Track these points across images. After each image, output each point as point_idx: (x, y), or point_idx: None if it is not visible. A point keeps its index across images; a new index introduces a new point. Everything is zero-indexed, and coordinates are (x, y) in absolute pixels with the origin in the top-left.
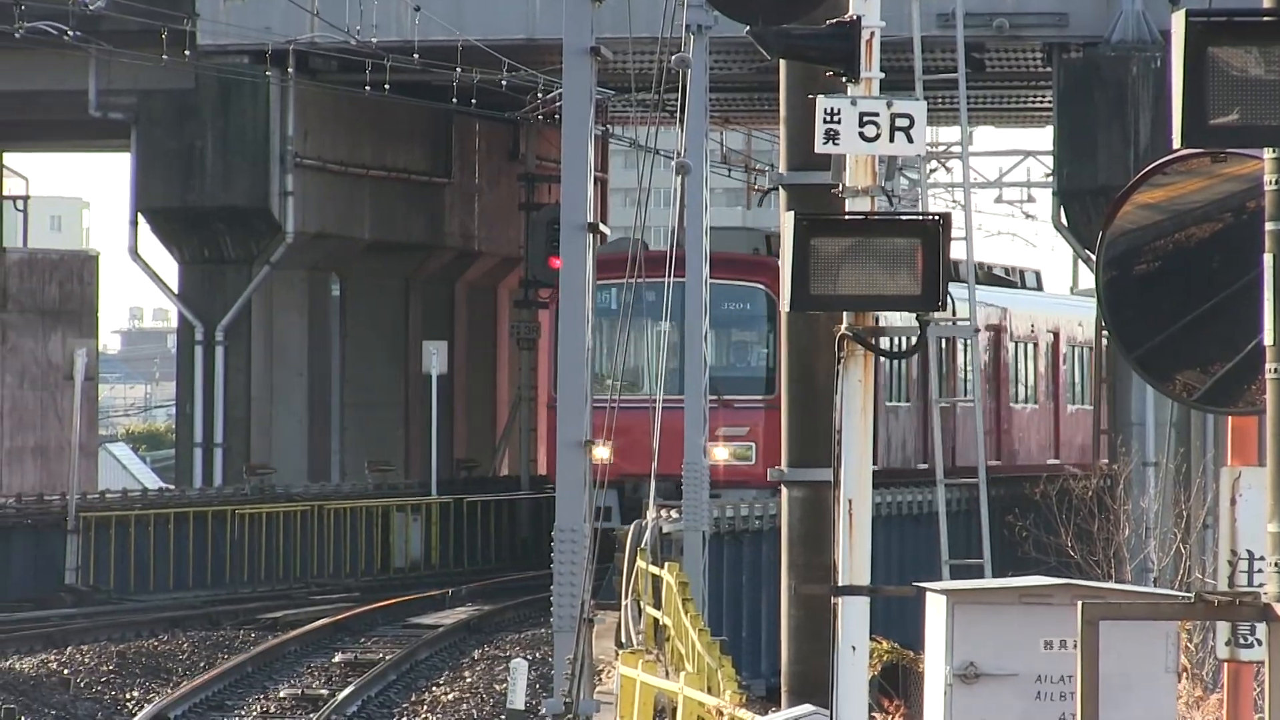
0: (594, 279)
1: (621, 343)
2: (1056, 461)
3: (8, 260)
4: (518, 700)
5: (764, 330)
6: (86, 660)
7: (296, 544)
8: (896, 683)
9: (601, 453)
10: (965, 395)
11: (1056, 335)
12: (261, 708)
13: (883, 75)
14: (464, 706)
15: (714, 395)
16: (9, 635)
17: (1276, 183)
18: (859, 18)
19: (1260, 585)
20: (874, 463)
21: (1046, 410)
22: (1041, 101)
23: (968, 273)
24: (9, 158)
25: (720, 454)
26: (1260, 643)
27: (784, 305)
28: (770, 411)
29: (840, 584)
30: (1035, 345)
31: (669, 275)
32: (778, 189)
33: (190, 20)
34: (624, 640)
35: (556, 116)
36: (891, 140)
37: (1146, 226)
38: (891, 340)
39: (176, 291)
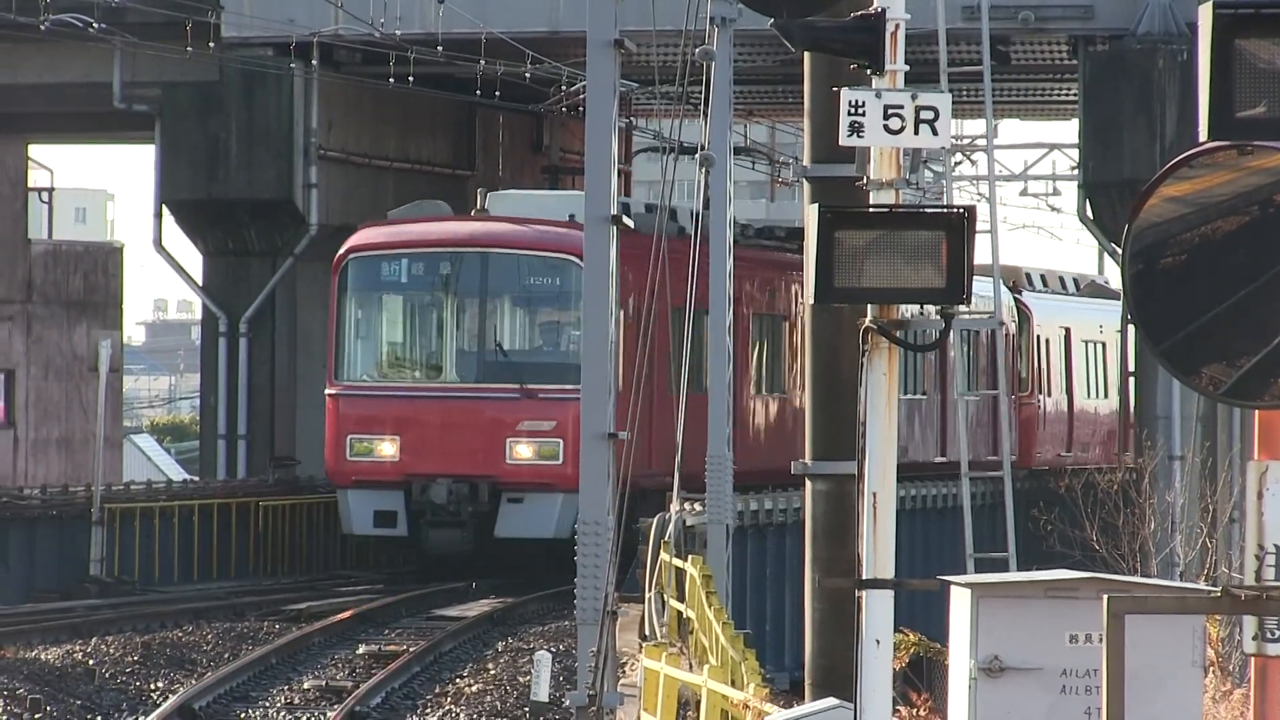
0: (381, 246)
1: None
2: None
3: (33, 252)
4: (541, 692)
5: (577, 309)
6: (111, 651)
7: (320, 535)
8: (922, 676)
9: (387, 449)
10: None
11: None
12: (285, 699)
13: (907, 68)
14: (488, 698)
15: (515, 384)
16: (34, 626)
17: None
18: (884, 10)
19: None
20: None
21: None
22: (1067, 94)
23: (993, 267)
24: (34, 150)
25: (523, 452)
26: None
27: (808, 298)
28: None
29: (864, 577)
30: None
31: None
32: (801, 182)
33: (215, 13)
34: (648, 633)
35: (580, 109)
36: (916, 133)
37: (1173, 220)
38: (916, 333)
39: (200, 283)
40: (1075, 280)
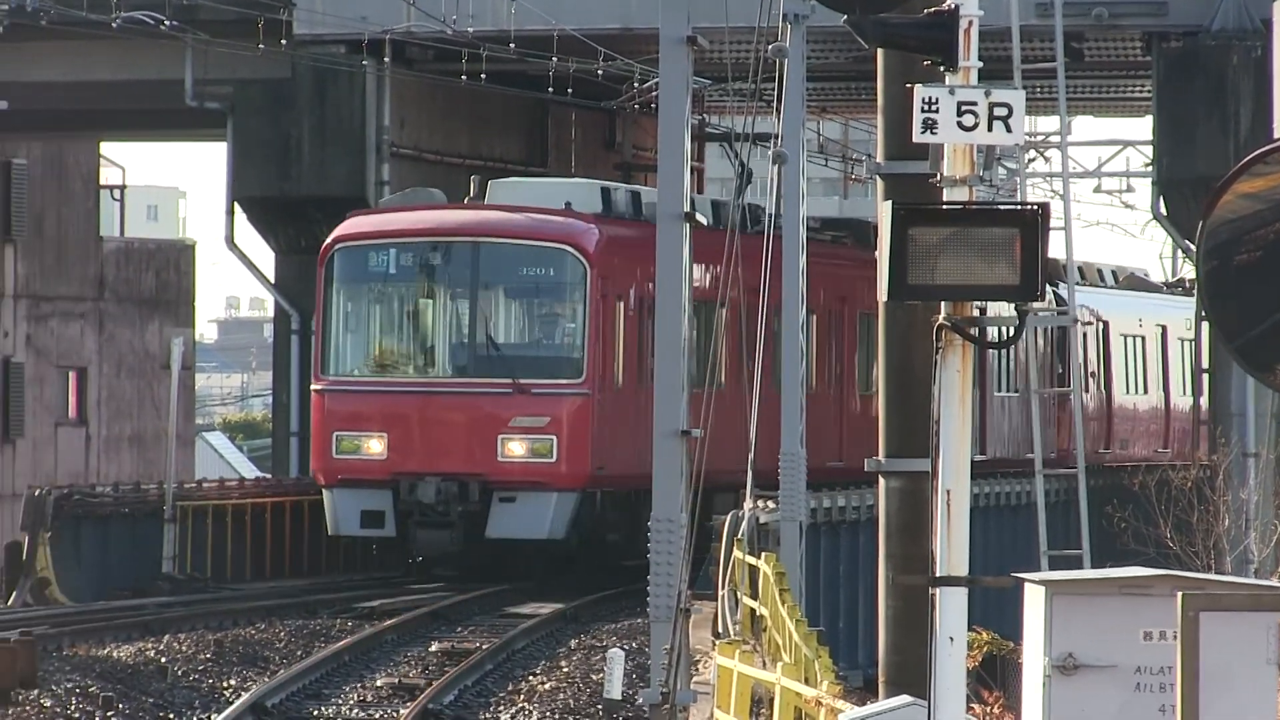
0: (368, 236)
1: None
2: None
3: (105, 250)
4: (615, 690)
5: (573, 302)
6: (184, 648)
7: None
8: (995, 674)
9: (375, 447)
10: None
11: None
12: (358, 696)
13: (981, 64)
14: (560, 696)
15: (508, 379)
16: (107, 624)
17: None
18: (957, 6)
19: None
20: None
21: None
22: (1140, 91)
23: (1068, 264)
24: (106, 147)
25: (515, 449)
26: None
27: (881, 295)
28: (580, 400)
29: (938, 574)
30: None
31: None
32: (874, 179)
33: (287, 10)
34: (721, 631)
35: (653, 106)
36: (990, 129)
37: (1247, 216)
38: (991, 330)
39: (272, 281)
40: (1114, 273)
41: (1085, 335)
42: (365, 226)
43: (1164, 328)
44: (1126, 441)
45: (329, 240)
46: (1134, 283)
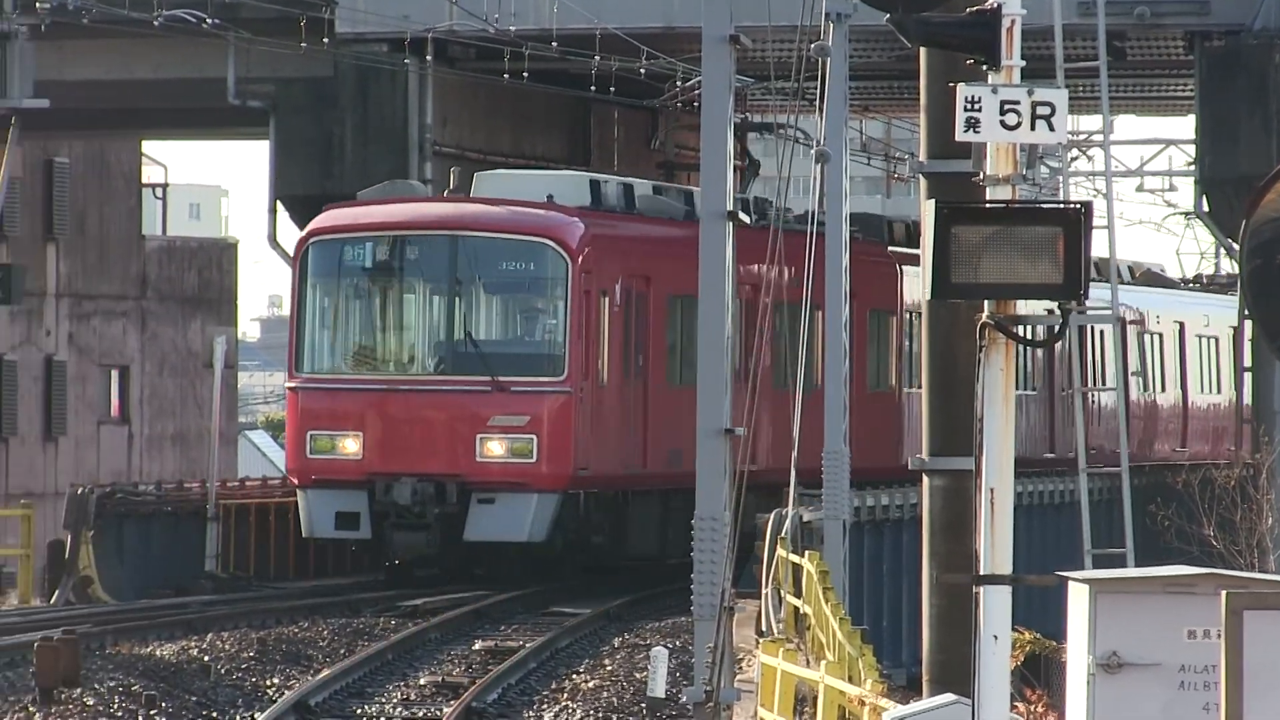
0: (344, 229)
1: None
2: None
3: (147, 248)
4: (658, 688)
5: (554, 297)
6: (227, 647)
7: None
8: (1039, 672)
9: (350, 446)
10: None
11: None
12: (401, 695)
13: (1023, 63)
14: (604, 694)
15: (487, 376)
16: (150, 622)
17: None
18: (1000, 5)
19: None
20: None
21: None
22: (1183, 90)
23: (1109, 264)
24: (148, 146)
25: (494, 449)
26: None
27: (924, 294)
28: (561, 399)
29: (982, 573)
30: None
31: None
32: (917, 177)
33: (329, 9)
34: (764, 629)
35: (695, 104)
36: (1033, 128)
37: None
38: (1033, 329)
39: None
40: (1130, 268)
41: (1102, 332)
42: (341, 219)
43: (1181, 324)
44: (1150, 441)
45: (304, 233)
46: (1150, 279)
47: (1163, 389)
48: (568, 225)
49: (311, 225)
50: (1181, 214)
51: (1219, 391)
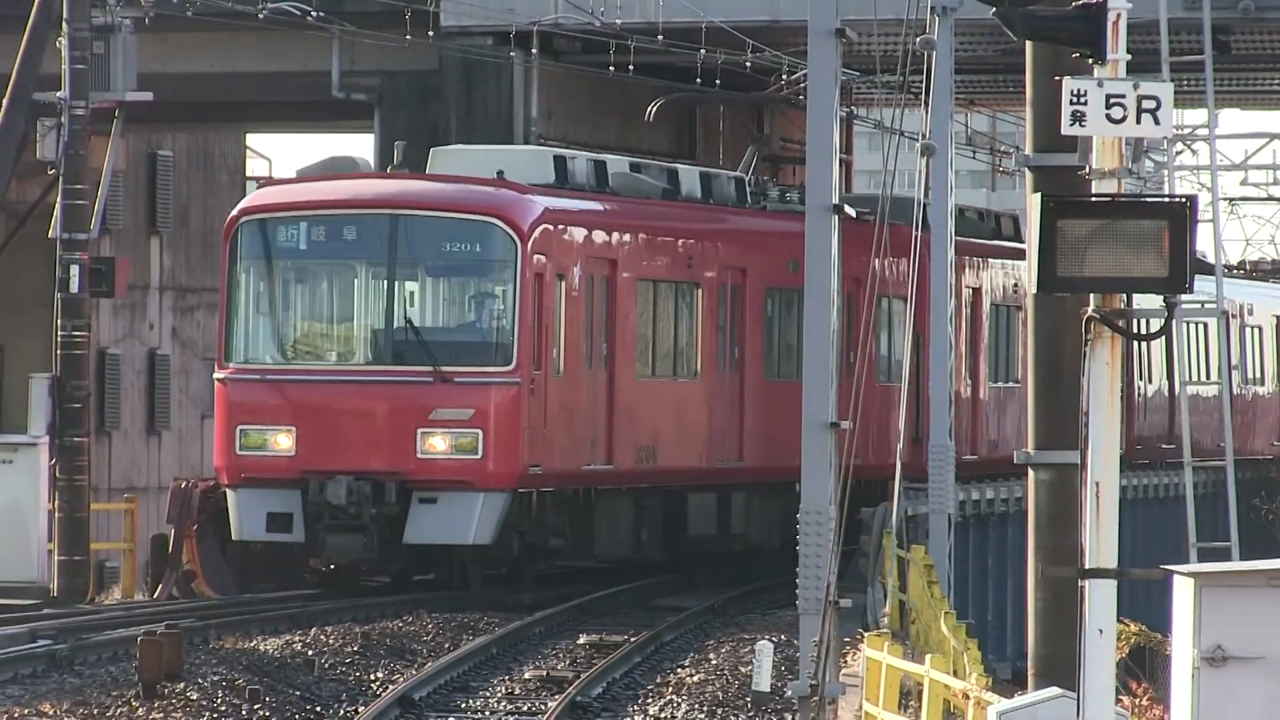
0: (277, 209)
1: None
2: None
3: None
4: (763, 682)
5: (502, 280)
6: (331, 641)
7: None
8: (1143, 666)
9: (283, 442)
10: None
11: None
12: (506, 689)
13: (1129, 57)
14: (709, 688)
15: (428, 366)
16: (253, 616)
17: None
18: (1105, 0)
19: None
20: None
21: None
22: None
23: (1215, 257)
24: (252, 139)
25: (436, 444)
26: None
27: (1030, 287)
28: (510, 390)
29: (1087, 567)
30: None
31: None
32: (1023, 171)
33: (434, 2)
34: (869, 623)
35: (801, 98)
36: (1138, 122)
37: None
38: (1139, 322)
39: None
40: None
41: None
42: (275, 197)
43: (1279, 317)
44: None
45: (234, 213)
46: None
47: (1262, 383)
48: (518, 203)
49: (242, 204)
50: None
51: None
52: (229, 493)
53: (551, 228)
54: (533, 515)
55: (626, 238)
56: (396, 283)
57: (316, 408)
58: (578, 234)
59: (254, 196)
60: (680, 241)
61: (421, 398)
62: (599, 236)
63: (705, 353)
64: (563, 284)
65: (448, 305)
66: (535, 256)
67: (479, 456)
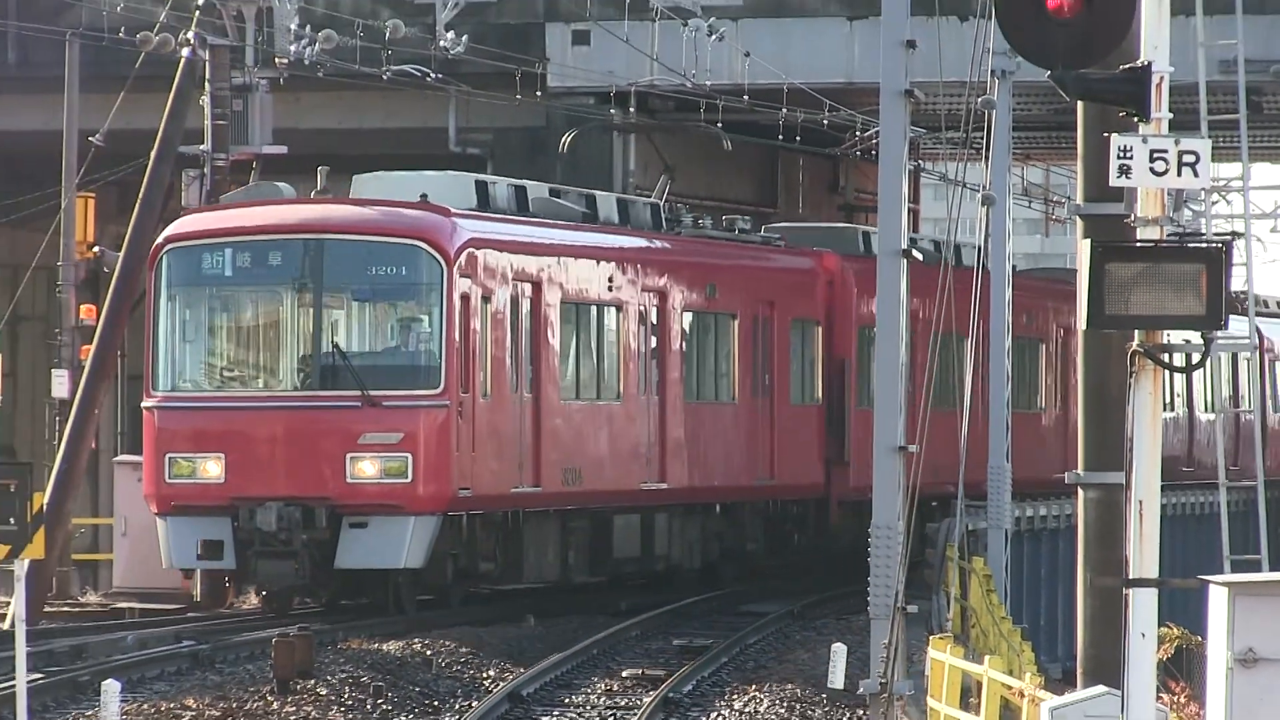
0: (201, 235)
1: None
2: None
3: None
4: (838, 680)
5: (428, 303)
6: (448, 643)
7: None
8: (1181, 667)
9: (212, 469)
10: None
11: None
12: (605, 686)
13: (1171, 115)
14: (789, 686)
15: (356, 391)
16: (378, 620)
17: None
18: (1149, 64)
19: None
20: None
21: None
22: None
23: (1248, 298)
24: None
25: (366, 469)
26: None
27: (1080, 324)
28: (438, 413)
29: (1131, 577)
30: None
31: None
32: (1074, 219)
33: (541, 64)
34: (934, 627)
35: (873, 152)
36: (1179, 174)
37: None
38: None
39: None
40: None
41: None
42: (198, 224)
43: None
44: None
45: (159, 240)
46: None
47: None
48: (442, 226)
49: (167, 232)
50: None
51: None
52: (159, 521)
53: (476, 251)
54: (463, 538)
55: (549, 261)
56: (323, 308)
57: (245, 434)
58: (502, 257)
59: (178, 224)
60: (601, 264)
61: (350, 422)
62: (522, 259)
63: (627, 375)
64: (488, 306)
65: (374, 329)
66: (461, 279)
67: (409, 480)
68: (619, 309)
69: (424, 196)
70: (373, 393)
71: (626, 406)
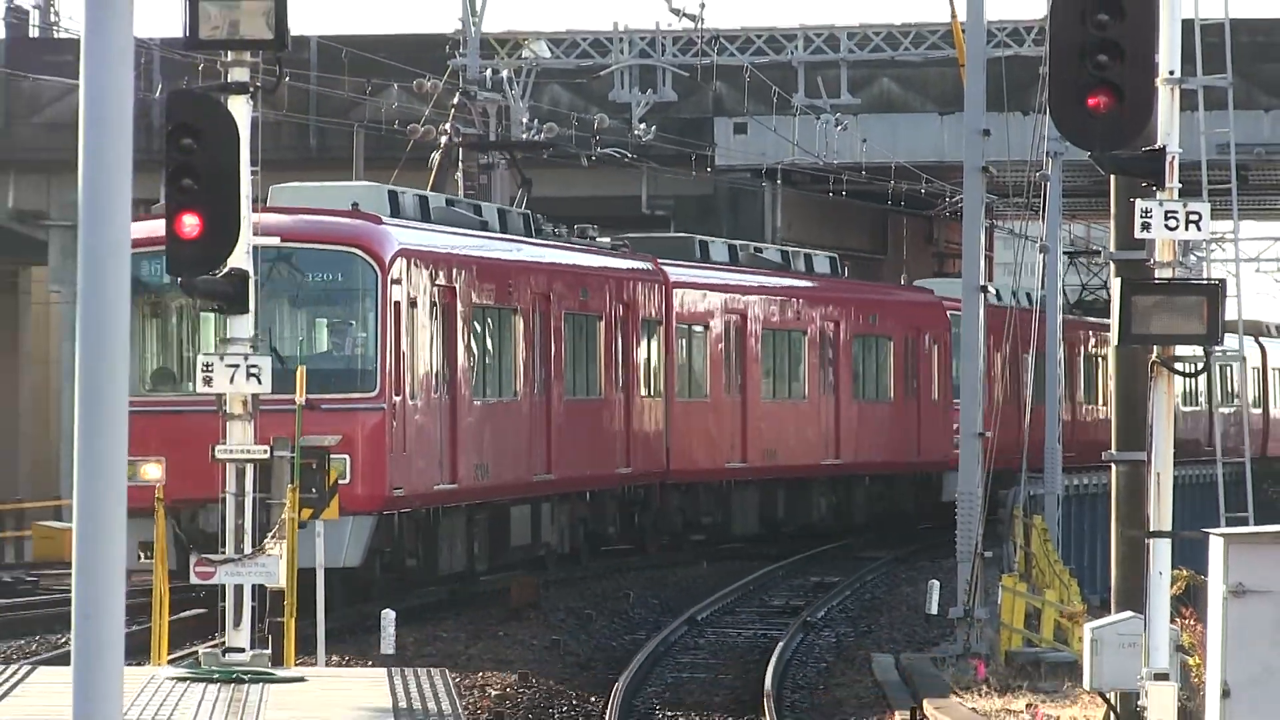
0: (141, 244)
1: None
2: None
3: None
4: (933, 607)
5: (364, 308)
6: (641, 584)
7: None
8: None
9: (152, 473)
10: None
11: None
12: (759, 613)
13: (1180, 185)
14: (897, 611)
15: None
16: (588, 568)
17: None
18: (1164, 147)
19: None
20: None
21: None
22: None
23: (1237, 321)
24: None
25: None
26: None
27: (1113, 341)
28: (375, 415)
29: (1151, 529)
30: None
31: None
32: (1109, 263)
33: (710, 148)
34: (1004, 568)
35: (958, 213)
36: (1186, 229)
37: None
38: (1187, 365)
39: None
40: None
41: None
42: (139, 232)
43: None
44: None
45: None
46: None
47: (1277, 406)
48: (377, 234)
49: None
50: None
51: None
52: None
53: (405, 259)
54: (394, 537)
55: (462, 269)
56: (260, 312)
57: (184, 437)
58: (426, 264)
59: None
60: (500, 271)
61: (289, 425)
62: (442, 267)
63: (524, 375)
64: (415, 311)
65: (313, 333)
66: (393, 285)
67: (346, 481)
68: (515, 312)
69: (356, 205)
70: (311, 396)
71: (523, 405)
